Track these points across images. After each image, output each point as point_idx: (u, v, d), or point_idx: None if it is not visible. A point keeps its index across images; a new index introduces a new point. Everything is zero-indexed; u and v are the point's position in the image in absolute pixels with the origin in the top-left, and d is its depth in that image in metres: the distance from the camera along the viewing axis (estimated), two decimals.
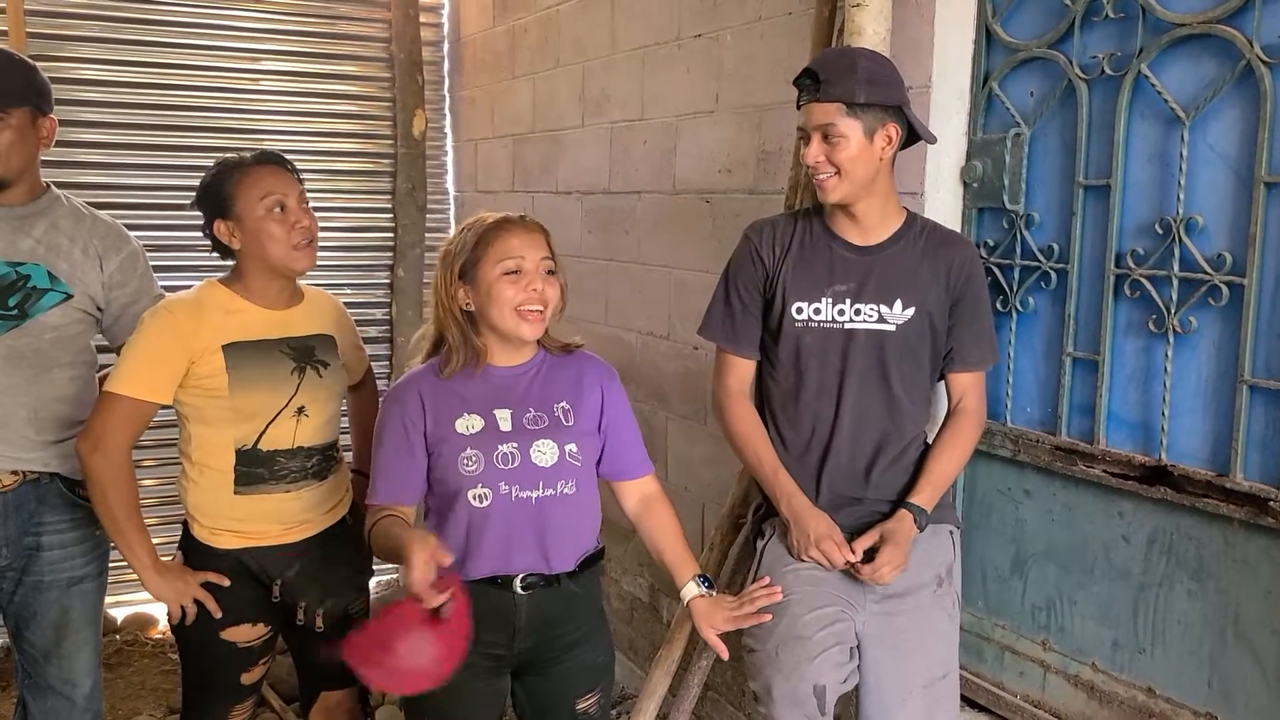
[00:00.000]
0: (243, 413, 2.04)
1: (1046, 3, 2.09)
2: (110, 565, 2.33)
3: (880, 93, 1.85)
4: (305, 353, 2.12)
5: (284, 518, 2.09)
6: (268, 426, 2.05)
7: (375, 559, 2.10)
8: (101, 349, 2.30)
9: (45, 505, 2.18)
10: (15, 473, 2.14)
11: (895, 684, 1.97)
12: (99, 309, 2.21)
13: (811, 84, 1.86)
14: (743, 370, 2.08)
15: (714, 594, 1.95)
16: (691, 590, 1.94)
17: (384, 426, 1.88)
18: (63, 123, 2.24)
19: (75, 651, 2.24)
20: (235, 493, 2.05)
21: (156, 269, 2.35)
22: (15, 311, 2.10)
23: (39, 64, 2.22)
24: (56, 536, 2.19)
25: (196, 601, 2.06)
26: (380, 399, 2.17)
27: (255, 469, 2.05)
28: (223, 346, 2.01)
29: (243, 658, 2.13)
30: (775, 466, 2.02)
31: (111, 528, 2.03)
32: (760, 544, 2.11)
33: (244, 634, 2.11)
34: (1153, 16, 1.88)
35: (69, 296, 2.15)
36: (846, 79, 1.84)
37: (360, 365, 2.37)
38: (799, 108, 1.91)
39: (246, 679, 2.16)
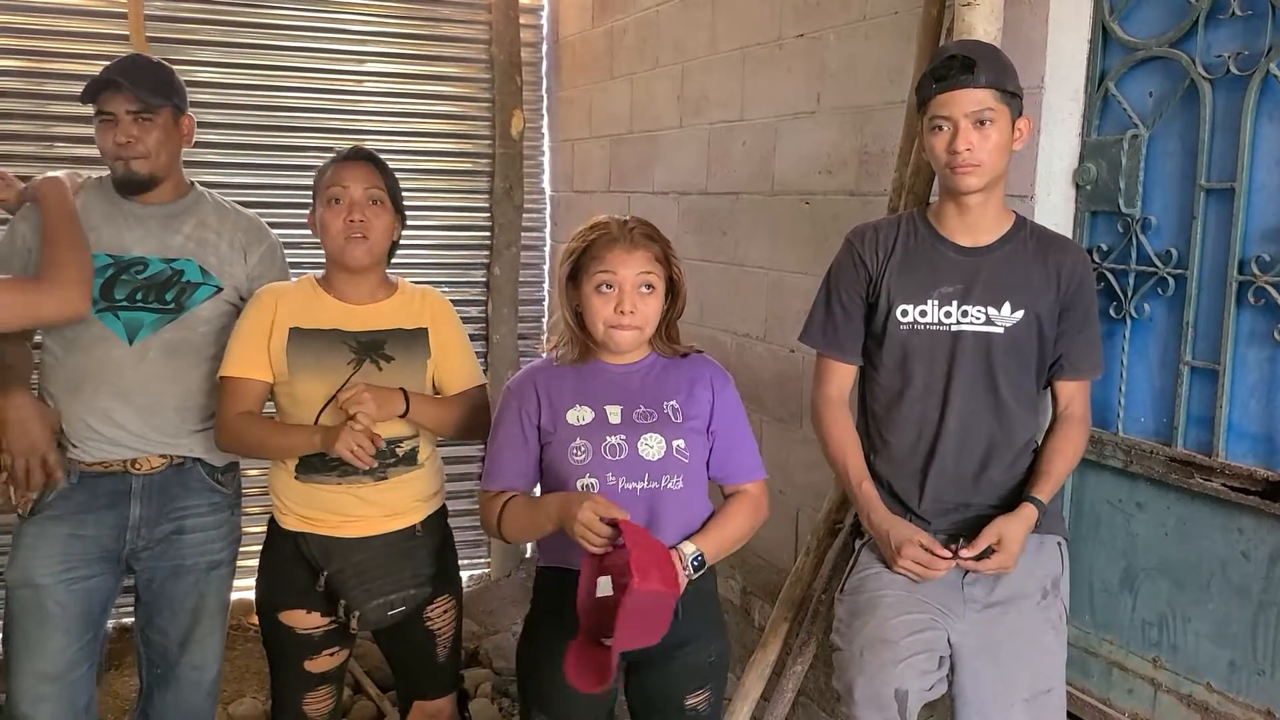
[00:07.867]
0: (295, 399, 2.07)
1: (1168, 0, 2.02)
2: None
3: (1018, 85, 1.84)
4: (371, 346, 2.09)
5: (339, 509, 2.09)
6: (318, 418, 2.04)
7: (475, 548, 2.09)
8: None
9: (187, 489, 2.26)
10: (163, 456, 2.23)
11: (996, 697, 1.92)
12: (243, 299, 2.27)
13: (963, 69, 1.80)
14: (843, 377, 2.06)
15: (693, 573, 1.81)
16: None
17: (501, 417, 1.94)
18: None
19: (208, 635, 2.30)
20: (295, 478, 2.09)
21: None
22: (173, 305, 2.20)
23: None
24: (198, 520, 2.27)
25: (269, 589, 2.15)
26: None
27: (311, 457, 2.06)
28: (289, 329, 2.07)
29: (303, 644, 2.14)
30: (861, 479, 2.01)
31: (280, 454, 2.10)
32: (858, 544, 2.09)
33: (300, 620, 2.12)
34: None
35: (219, 289, 2.25)
36: (998, 65, 1.82)
37: (460, 373, 2.22)
38: (930, 98, 1.85)
39: (311, 667, 2.16)
